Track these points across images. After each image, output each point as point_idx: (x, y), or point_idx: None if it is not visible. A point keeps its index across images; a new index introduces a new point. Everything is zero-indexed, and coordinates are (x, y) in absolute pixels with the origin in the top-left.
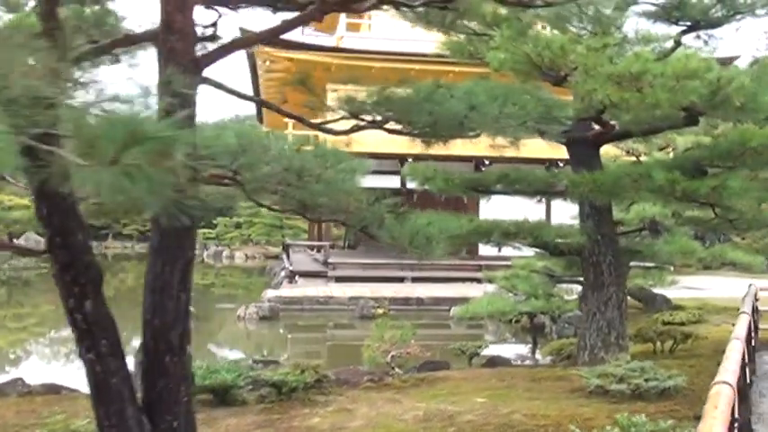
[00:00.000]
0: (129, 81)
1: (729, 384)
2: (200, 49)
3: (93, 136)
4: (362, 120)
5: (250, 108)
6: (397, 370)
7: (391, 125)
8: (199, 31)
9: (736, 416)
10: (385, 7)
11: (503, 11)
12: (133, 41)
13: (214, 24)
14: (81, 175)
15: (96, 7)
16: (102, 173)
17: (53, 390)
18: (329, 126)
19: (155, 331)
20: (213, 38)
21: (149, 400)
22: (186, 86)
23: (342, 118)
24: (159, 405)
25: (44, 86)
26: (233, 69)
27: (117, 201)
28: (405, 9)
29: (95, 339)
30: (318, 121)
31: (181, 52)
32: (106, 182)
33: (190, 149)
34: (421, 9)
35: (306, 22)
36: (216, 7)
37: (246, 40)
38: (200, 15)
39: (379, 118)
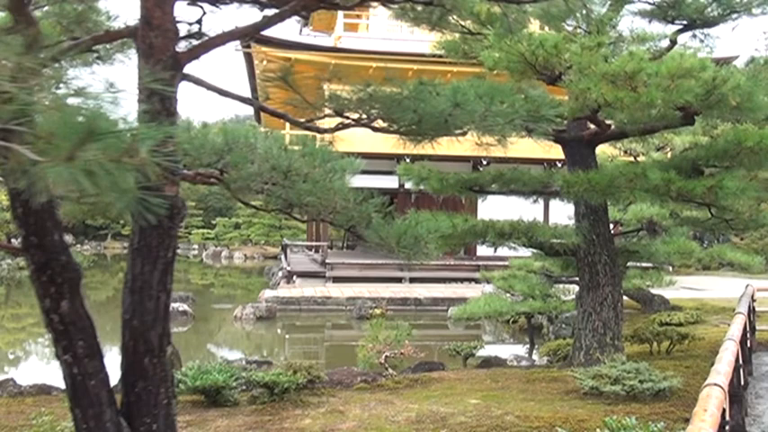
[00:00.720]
0: (95, 76)
1: (720, 386)
2: (184, 47)
3: (49, 131)
4: (347, 117)
5: (251, 108)
6: (390, 371)
7: (377, 123)
8: (184, 28)
9: (727, 418)
10: (374, 4)
11: (496, 9)
12: (114, 38)
13: (199, 21)
14: (36, 172)
15: (78, 5)
16: (58, 169)
17: (44, 390)
18: (318, 125)
19: (134, 332)
20: (198, 35)
21: (128, 402)
22: (165, 83)
23: (326, 116)
24: (138, 407)
25: (5, 81)
26: (238, 71)
27: (77, 198)
28: (390, 5)
29: (72, 340)
30: (304, 119)
31: (160, 48)
32: (63, 178)
33: (161, 146)
34: (406, 5)
35: (284, 19)
36: (200, 4)
37: (228, 36)
38: (185, 12)
39: (364, 116)
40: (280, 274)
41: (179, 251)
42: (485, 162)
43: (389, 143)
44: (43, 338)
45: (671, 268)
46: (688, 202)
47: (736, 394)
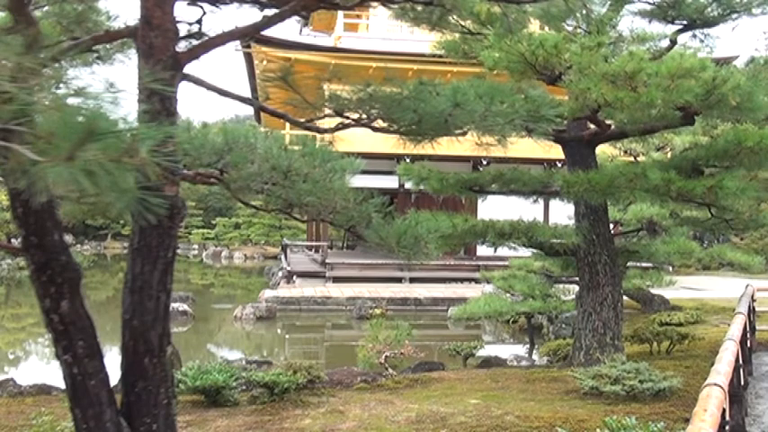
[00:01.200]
0: (95, 76)
1: (720, 386)
2: (184, 47)
3: (49, 131)
4: (347, 117)
5: (251, 108)
6: (390, 371)
7: (377, 123)
8: (184, 28)
9: (727, 418)
10: (374, 4)
11: (496, 9)
12: (114, 38)
13: (199, 21)
14: (36, 172)
15: (78, 5)
16: (58, 169)
17: (44, 390)
18: (318, 125)
19: (134, 332)
20: (198, 35)
21: (128, 402)
22: (165, 83)
23: (326, 116)
24: (138, 407)
25: (5, 81)
26: (238, 71)
27: (77, 198)
28: (390, 5)
29: (72, 340)
30: (304, 119)
31: (160, 48)
32: (63, 178)
33: (161, 146)
34: (406, 5)
35: (284, 19)
36: (200, 4)
37: (228, 36)
38: (185, 12)
39: (364, 116)
40: (280, 274)
41: (179, 251)
42: (485, 162)
43: (389, 143)
44: (43, 338)
45: (671, 268)
46: (688, 202)
47: (736, 394)
